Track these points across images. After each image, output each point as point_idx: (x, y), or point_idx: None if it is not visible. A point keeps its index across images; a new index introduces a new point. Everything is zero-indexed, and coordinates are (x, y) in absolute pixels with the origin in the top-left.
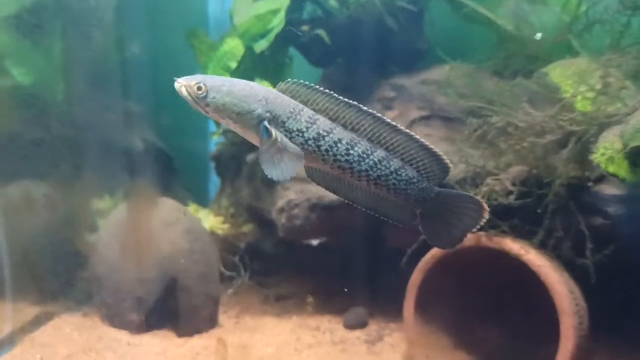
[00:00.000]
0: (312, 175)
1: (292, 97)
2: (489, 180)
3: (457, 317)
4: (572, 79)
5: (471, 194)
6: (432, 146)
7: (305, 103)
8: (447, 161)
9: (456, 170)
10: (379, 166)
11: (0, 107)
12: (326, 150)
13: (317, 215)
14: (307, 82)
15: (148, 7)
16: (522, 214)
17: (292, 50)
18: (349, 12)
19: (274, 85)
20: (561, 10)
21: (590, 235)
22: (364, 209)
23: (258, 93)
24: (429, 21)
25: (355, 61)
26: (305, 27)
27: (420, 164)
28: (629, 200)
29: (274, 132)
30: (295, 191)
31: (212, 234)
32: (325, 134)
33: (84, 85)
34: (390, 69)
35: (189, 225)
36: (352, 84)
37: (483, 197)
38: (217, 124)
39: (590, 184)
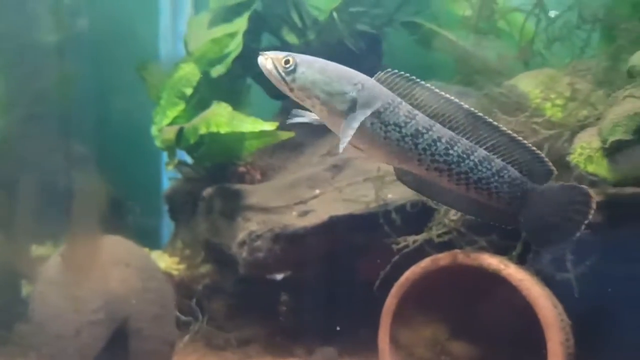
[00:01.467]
0: (404, 178)
1: (390, 89)
2: None
3: (435, 340)
4: (541, 87)
5: (575, 184)
6: (534, 148)
7: (403, 97)
8: (550, 164)
9: None
10: (479, 167)
11: None
12: (424, 149)
13: (281, 246)
14: (407, 74)
15: (95, 43)
16: (499, 229)
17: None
18: (306, 40)
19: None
20: (520, 30)
21: (570, 247)
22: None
23: (355, 76)
24: (388, 47)
25: None
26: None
27: (523, 166)
28: (608, 207)
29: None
30: (257, 222)
31: (167, 276)
32: (424, 131)
33: (25, 124)
34: None
35: (142, 263)
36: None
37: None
38: (171, 155)
39: None
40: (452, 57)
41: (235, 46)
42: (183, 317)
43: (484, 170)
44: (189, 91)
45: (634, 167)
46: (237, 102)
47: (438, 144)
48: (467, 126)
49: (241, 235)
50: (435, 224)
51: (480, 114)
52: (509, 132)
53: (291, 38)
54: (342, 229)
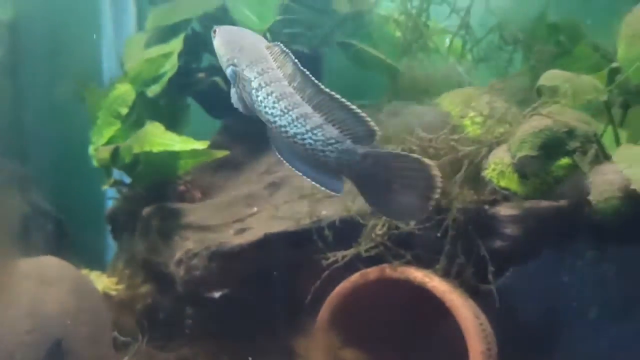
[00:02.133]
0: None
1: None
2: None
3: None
4: (461, 105)
5: (407, 153)
6: (355, 107)
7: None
8: (372, 124)
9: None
10: (295, 123)
11: None
12: (260, 101)
13: (218, 264)
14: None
15: (35, 60)
16: (424, 243)
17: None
18: None
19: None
20: (448, 50)
21: (491, 259)
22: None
23: (241, 42)
24: (327, 67)
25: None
26: (201, 75)
27: (342, 125)
28: (523, 220)
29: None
30: (194, 240)
31: (106, 297)
32: (264, 85)
33: None
34: None
35: (76, 283)
36: (254, 132)
37: (383, 226)
38: (107, 175)
39: (486, 206)
40: (384, 76)
41: (170, 66)
42: (122, 338)
43: (299, 125)
44: (124, 111)
45: (541, 181)
46: (175, 121)
47: (269, 97)
48: (297, 85)
49: (178, 254)
50: (364, 239)
51: (308, 73)
52: (330, 92)
53: None
54: (277, 246)
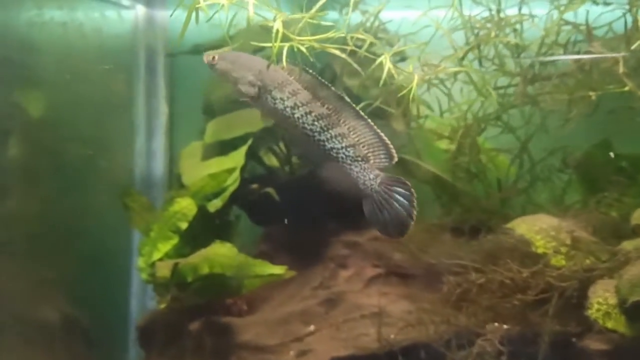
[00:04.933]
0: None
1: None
2: (479, 341)
3: None
4: (541, 234)
5: (399, 177)
6: (381, 133)
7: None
8: (394, 151)
9: (438, 331)
10: (333, 140)
11: None
12: (297, 118)
13: None
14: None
15: (65, 166)
16: None
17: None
18: (292, 169)
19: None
20: (506, 170)
21: None
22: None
23: (256, 65)
24: None
25: (300, 219)
26: (254, 186)
27: (370, 147)
28: (616, 354)
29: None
30: None
31: None
32: (300, 104)
33: None
34: (338, 226)
35: None
36: (299, 242)
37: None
38: (163, 292)
39: (574, 339)
40: (440, 192)
41: (232, 181)
42: None
43: (337, 142)
44: (184, 225)
45: None
46: (227, 233)
47: (308, 115)
48: (336, 107)
49: None
50: None
51: (347, 99)
52: (367, 118)
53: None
54: None
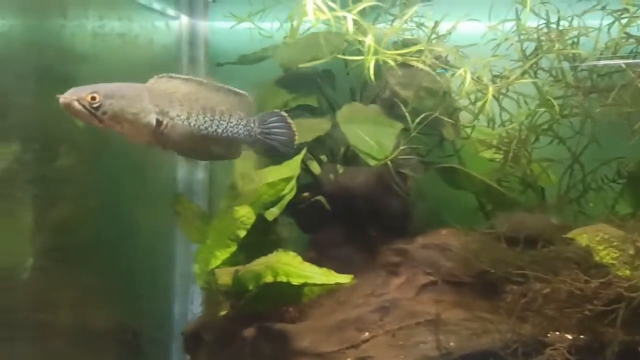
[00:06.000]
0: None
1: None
2: (548, 350)
3: None
4: (604, 245)
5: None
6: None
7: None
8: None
9: (504, 339)
10: (222, 122)
11: None
12: (194, 124)
13: None
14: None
15: (112, 174)
16: None
17: None
18: (336, 176)
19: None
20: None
21: None
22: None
23: (143, 91)
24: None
25: (349, 226)
26: (305, 195)
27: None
28: None
29: (164, 120)
30: None
31: None
32: (190, 110)
33: (44, 259)
34: (387, 234)
35: None
36: (347, 250)
37: None
38: (222, 299)
39: None
40: (487, 201)
41: (289, 189)
42: None
43: (225, 123)
44: (242, 233)
45: None
46: (278, 240)
47: (200, 117)
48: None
49: None
50: None
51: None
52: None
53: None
54: None
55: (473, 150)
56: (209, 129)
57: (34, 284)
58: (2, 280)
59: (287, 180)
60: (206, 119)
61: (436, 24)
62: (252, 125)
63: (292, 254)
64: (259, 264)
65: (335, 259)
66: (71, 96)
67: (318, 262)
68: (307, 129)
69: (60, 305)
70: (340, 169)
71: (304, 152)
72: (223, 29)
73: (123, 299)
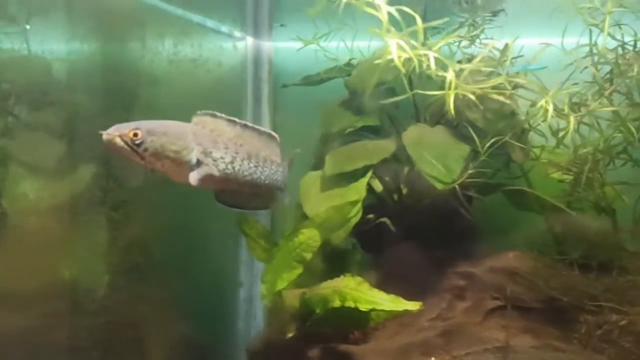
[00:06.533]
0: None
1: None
2: None
3: None
4: None
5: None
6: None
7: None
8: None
9: None
10: (264, 169)
11: None
12: (238, 169)
13: None
14: (212, 112)
15: (178, 194)
16: None
17: None
18: (400, 197)
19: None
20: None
21: None
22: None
23: (187, 130)
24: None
25: (413, 248)
26: (370, 216)
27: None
28: None
29: (206, 161)
30: None
31: None
32: (235, 155)
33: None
34: (452, 255)
35: None
36: (412, 272)
37: None
38: (290, 322)
39: None
40: (556, 224)
41: (355, 212)
42: None
43: (267, 170)
44: (309, 256)
45: None
46: (345, 262)
47: (244, 162)
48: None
49: None
50: None
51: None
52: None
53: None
54: None
55: (542, 172)
56: (253, 175)
57: (109, 300)
58: (83, 297)
59: (353, 203)
60: (250, 164)
61: (506, 47)
62: (284, 170)
63: (359, 279)
64: (326, 288)
65: (400, 281)
66: (114, 132)
67: (381, 283)
68: (372, 151)
69: (134, 321)
70: (404, 189)
71: (369, 174)
72: (287, 49)
73: (191, 313)
